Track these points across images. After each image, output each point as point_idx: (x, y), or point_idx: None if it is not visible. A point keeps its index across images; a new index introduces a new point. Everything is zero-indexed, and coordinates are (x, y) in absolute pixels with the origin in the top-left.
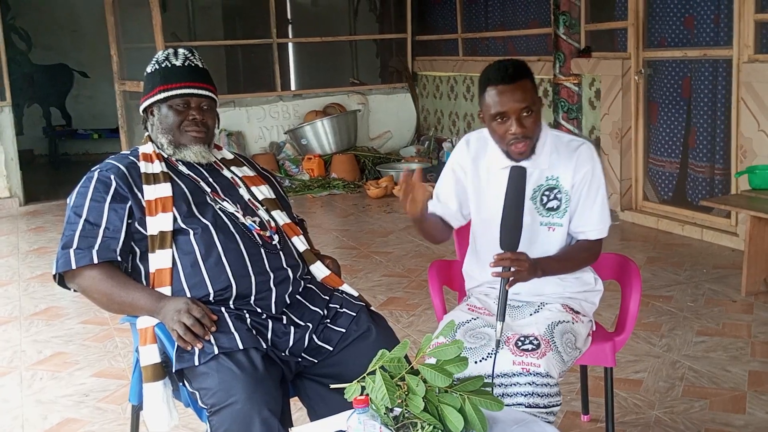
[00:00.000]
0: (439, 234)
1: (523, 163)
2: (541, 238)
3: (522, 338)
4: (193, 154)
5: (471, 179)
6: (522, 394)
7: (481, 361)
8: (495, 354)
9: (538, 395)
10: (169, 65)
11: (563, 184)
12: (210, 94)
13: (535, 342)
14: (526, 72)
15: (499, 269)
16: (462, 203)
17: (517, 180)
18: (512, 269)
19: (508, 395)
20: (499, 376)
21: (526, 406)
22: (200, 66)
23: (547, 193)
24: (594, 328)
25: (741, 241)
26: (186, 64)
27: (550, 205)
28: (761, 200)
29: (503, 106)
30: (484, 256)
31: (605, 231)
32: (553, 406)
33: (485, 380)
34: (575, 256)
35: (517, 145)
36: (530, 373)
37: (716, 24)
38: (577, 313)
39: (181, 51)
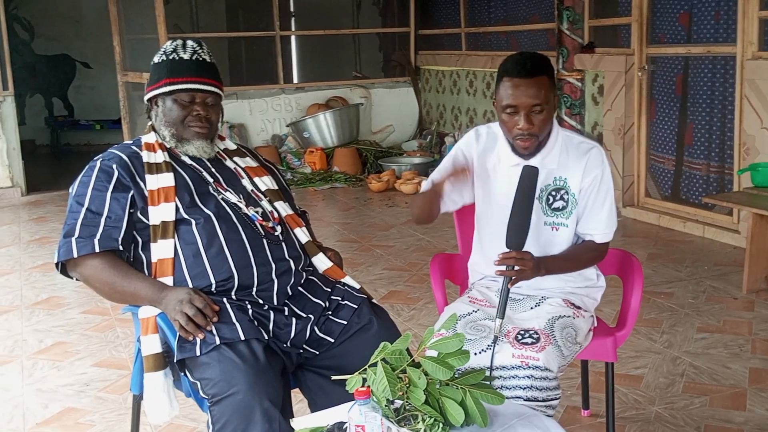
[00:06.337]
0: (427, 215)
1: (532, 161)
2: (545, 238)
3: (522, 332)
4: (195, 148)
5: (477, 172)
6: (521, 387)
7: (480, 352)
8: (492, 350)
9: (537, 389)
10: (177, 58)
11: (571, 186)
12: (216, 90)
13: (535, 336)
14: (546, 68)
15: (503, 267)
16: (457, 188)
17: (528, 179)
18: (516, 268)
19: (507, 388)
20: (498, 368)
21: (524, 400)
22: (208, 60)
23: (553, 193)
24: (595, 324)
25: (743, 239)
26: (194, 58)
27: (555, 205)
28: (763, 198)
29: (515, 100)
30: (489, 252)
31: (611, 235)
32: (552, 399)
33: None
34: (580, 256)
35: (523, 141)
36: (529, 367)
37: (720, 21)
38: (578, 308)
39: (189, 44)
